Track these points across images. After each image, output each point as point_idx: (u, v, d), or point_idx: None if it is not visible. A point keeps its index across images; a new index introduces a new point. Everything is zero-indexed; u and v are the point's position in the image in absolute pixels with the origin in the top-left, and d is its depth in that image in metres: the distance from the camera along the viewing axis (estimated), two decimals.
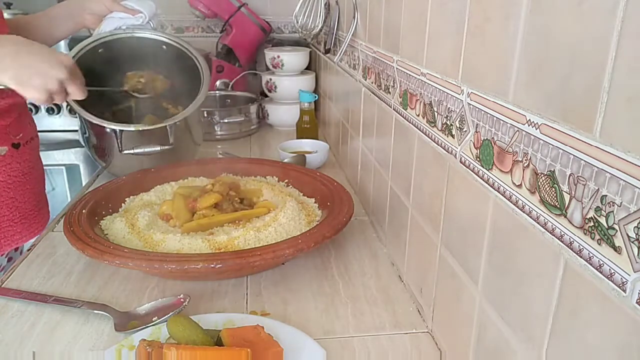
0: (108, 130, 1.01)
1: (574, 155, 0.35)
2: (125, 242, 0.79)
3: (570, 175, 0.36)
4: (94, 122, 1.00)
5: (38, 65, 0.78)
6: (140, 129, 1.01)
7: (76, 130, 1.21)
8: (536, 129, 0.39)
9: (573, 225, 0.36)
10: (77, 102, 1.00)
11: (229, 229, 0.82)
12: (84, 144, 1.18)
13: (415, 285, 0.71)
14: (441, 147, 0.59)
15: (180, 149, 1.16)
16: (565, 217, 0.36)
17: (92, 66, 1.08)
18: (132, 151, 1.03)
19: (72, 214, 0.82)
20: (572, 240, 0.36)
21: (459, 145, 0.54)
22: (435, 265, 0.63)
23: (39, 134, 1.06)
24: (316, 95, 1.42)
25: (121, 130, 1.00)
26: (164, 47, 1.13)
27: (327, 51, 1.17)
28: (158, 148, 1.04)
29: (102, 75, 1.11)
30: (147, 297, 0.72)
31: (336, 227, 0.77)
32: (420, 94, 0.65)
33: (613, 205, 0.31)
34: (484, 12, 0.48)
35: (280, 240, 0.75)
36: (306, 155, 1.21)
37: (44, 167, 1.09)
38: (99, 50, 1.09)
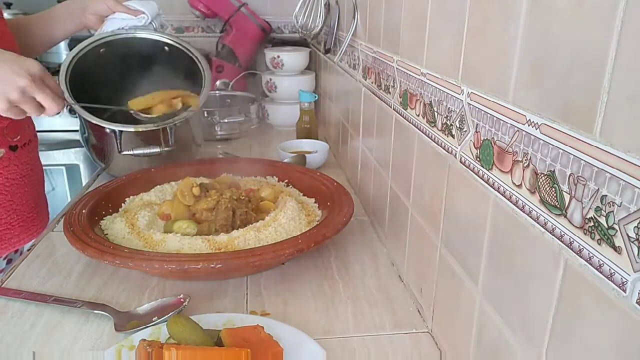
0: (108, 130, 1.01)
1: (574, 155, 0.35)
2: (125, 242, 0.79)
3: (570, 175, 0.36)
4: (94, 122, 0.99)
5: None
6: (141, 129, 1.00)
7: (76, 130, 1.20)
8: (536, 129, 0.39)
9: (573, 225, 0.36)
10: (78, 100, 1.00)
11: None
12: (83, 145, 1.18)
13: (415, 285, 0.71)
14: (441, 147, 0.59)
15: (180, 149, 1.15)
16: (565, 217, 0.36)
17: (93, 66, 1.08)
18: (131, 152, 1.02)
19: (72, 214, 0.82)
20: (572, 240, 0.36)
21: (459, 145, 0.54)
22: (435, 265, 0.63)
23: (39, 134, 1.06)
24: (316, 95, 1.42)
25: (120, 131, 1.00)
26: (166, 47, 1.13)
27: (327, 51, 1.17)
28: (158, 149, 1.02)
29: (103, 76, 1.11)
30: (147, 297, 0.72)
31: (336, 227, 0.77)
32: (420, 94, 0.65)
33: (613, 205, 0.31)
34: (484, 12, 0.48)
35: (280, 240, 0.75)
36: (306, 155, 1.21)
37: (44, 168, 1.08)
38: (101, 50, 1.09)
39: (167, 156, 1.07)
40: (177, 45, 1.13)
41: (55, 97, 0.77)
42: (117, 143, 1.01)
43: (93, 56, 1.08)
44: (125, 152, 1.02)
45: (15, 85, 0.72)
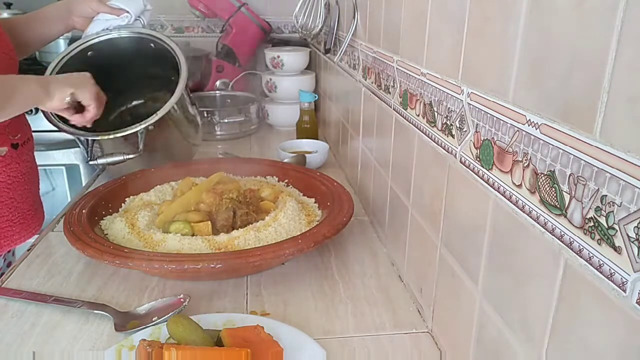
0: (82, 138, 0.99)
1: (574, 155, 0.35)
2: (125, 242, 0.79)
3: (570, 175, 0.36)
4: (63, 129, 0.97)
5: (79, 77, 0.92)
6: (105, 137, 0.98)
7: None
8: (536, 129, 0.39)
9: (573, 225, 0.36)
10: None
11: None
12: (80, 146, 1.18)
13: (415, 285, 0.71)
14: (441, 147, 0.59)
15: (177, 150, 1.15)
16: (565, 217, 0.36)
17: (84, 69, 1.08)
18: (97, 162, 0.99)
19: (72, 214, 0.82)
20: (572, 240, 0.36)
21: (459, 145, 0.54)
22: (435, 265, 0.63)
23: (39, 133, 1.06)
24: (316, 95, 1.42)
25: (93, 140, 0.98)
26: (152, 44, 1.12)
27: (327, 51, 1.17)
28: (122, 157, 0.99)
29: (97, 77, 1.11)
30: (147, 297, 0.72)
31: (336, 227, 0.77)
32: (420, 94, 0.65)
33: (613, 205, 0.31)
34: (484, 12, 0.48)
35: (280, 240, 0.75)
36: (306, 155, 1.21)
37: (44, 167, 1.09)
38: (88, 54, 1.08)
39: (164, 157, 1.07)
40: (157, 40, 1.11)
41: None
42: (87, 152, 0.99)
43: (82, 59, 1.07)
44: (92, 162, 0.99)
45: (91, 84, 0.91)
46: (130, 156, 0.99)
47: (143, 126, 0.98)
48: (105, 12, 1.07)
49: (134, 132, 0.98)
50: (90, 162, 1.00)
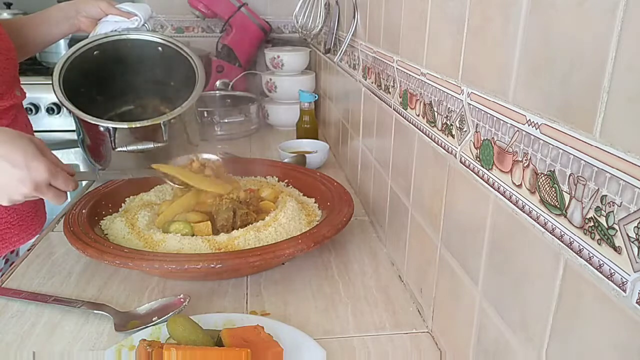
0: (102, 129, 1.01)
1: (574, 155, 0.35)
2: (125, 242, 0.79)
3: (570, 175, 0.36)
4: (88, 120, 0.99)
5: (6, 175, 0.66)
6: (134, 126, 1.00)
7: (74, 130, 1.21)
8: (536, 129, 0.39)
9: (573, 225, 0.36)
10: (74, 103, 0.99)
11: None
12: (80, 147, 1.18)
13: (415, 285, 0.71)
14: (441, 147, 0.59)
15: (176, 150, 1.15)
16: (565, 217, 0.36)
17: (88, 69, 1.08)
18: (125, 148, 1.01)
19: (72, 214, 0.82)
20: (572, 240, 0.36)
21: (459, 145, 0.54)
22: (435, 265, 0.63)
23: (39, 134, 1.05)
24: (316, 95, 1.42)
25: (114, 128, 1.00)
26: (160, 48, 1.13)
27: (327, 51, 1.17)
28: (151, 145, 1.02)
29: (97, 78, 1.11)
30: (147, 297, 0.72)
31: (336, 227, 0.77)
32: (420, 94, 0.65)
33: (613, 205, 0.32)
34: (484, 12, 0.48)
35: (280, 240, 0.75)
36: (306, 155, 1.21)
37: None
38: (94, 53, 1.09)
39: (162, 157, 1.07)
40: (170, 45, 1.12)
41: (59, 194, 0.72)
42: (111, 140, 1.00)
43: (87, 59, 1.07)
44: (119, 149, 1.01)
45: (17, 192, 0.68)
46: (159, 144, 1.02)
47: (167, 118, 1.02)
48: (115, 14, 1.07)
49: (155, 124, 1.00)
50: (117, 150, 1.01)
